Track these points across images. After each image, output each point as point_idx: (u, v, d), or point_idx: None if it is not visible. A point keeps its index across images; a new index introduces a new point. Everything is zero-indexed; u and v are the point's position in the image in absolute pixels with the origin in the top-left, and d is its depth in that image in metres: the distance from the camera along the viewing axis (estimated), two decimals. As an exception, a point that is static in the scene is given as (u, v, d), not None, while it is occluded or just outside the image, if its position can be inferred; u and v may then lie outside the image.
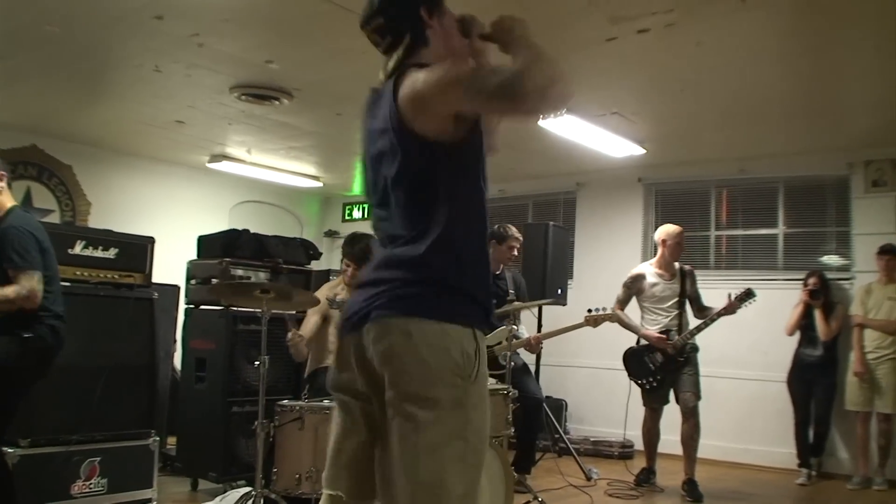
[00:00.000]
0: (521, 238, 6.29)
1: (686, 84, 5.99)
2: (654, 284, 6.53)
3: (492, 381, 5.03)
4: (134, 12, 4.92)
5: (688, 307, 6.55)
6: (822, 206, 8.00)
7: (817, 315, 7.00)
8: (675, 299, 6.48)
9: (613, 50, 5.23)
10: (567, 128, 6.91)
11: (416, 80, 2.16)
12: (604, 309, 5.96)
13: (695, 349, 6.38)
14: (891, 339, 6.77)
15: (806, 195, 8.10)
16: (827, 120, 6.80)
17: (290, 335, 4.88)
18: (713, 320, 6.26)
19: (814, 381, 7.07)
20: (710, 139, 7.60)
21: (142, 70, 6.06)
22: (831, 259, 7.83)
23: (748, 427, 7.71)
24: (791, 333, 7.14)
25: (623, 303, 6.64)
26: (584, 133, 7.10)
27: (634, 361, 6.59)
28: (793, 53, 5.33)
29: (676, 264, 6.60)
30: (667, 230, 6.62)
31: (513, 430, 4.77)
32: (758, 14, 4.62)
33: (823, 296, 6.99)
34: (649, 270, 6.62)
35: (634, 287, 6.61)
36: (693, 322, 6.47)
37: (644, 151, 7.83)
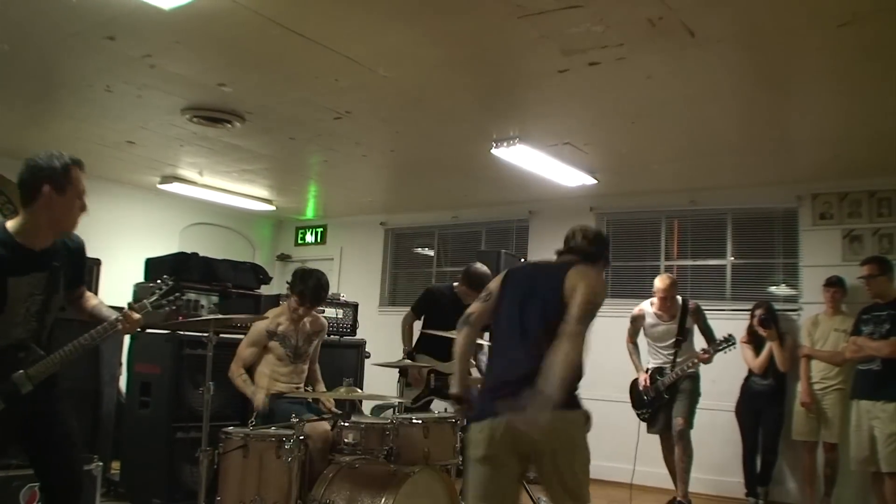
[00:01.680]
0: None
1: (637, 116, 6.06)
2: (653, 325, 6.84)
3: (440, 409, 5.04)
4: (85, 32, 4.86)
5: (691, 340, 6.82)
6: (771, 238, 8.12)
7: (774, 348, 7.06)
8: (672, 339, 6.73)
9: (566, 81, 5.28)
10: (520, 157, 6.96)
11: None
12: None
13: (690, 377, 6.66)
14: (837, 370, 6.85)
15: (754, 227, 8.22)
16: (776, 153, 6.91)
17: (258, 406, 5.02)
18: (689, 367, 6.59)
19: (762, 410, 7.13)
20: (661, 170, 7.69)
21: (93, 90, 5.99)
22: (779, 289, 7.95)
23: (697, 456, 7.72)
24: (762, 371, 7.17)
25: (632, 335, 6.96)
26: (536, 162, 7.15)
27: (634, 393, 6.99)
28: (742, 88, 5.42)
29: (679, 301, 6.81)
30: (656, 283, 6.85)
31: (460, 459, 4.74)
32: (707, 49, 4.69)
33: (774, 325, 7.09)
34: (649, 311, 6.87)
35: (637, 324, 6.95)
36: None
37: (596, 181, 7.89)
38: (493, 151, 6.74)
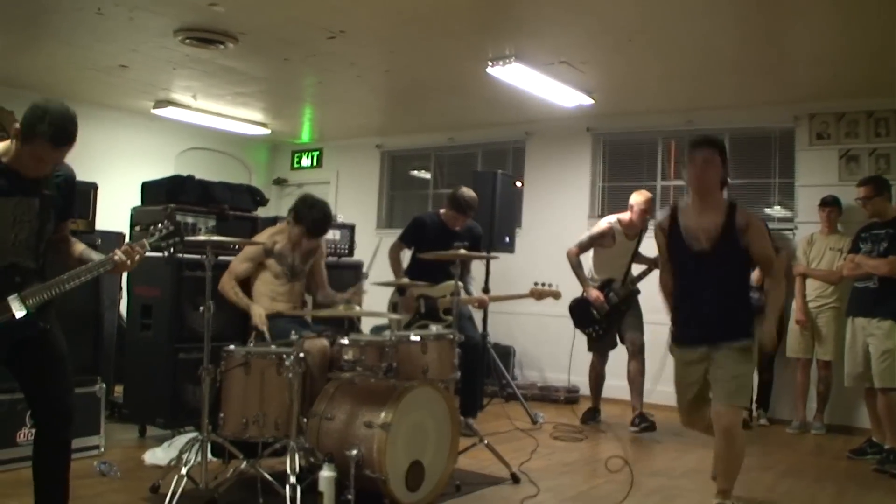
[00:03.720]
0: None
1: (634, 33, 5.99)
2: (618, 243, 6.88)
3: (437, 326, 5.09)
4: (73, -49, 4.80)
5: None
6: (767, 158, 8.12)
7: None
8: (629, 256, 6.89)
9: (561, -3, 5.23)
10: (516, 76, 6.91)
11: None
12: (549, 284, 6.27)
13: (636, 293, 6.83)
14: (832, 288, 6.93)
15: (751, 147, 8.22)
16: (774, 72, 6.86)
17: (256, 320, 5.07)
18: (646, 273, 6.72)
19: (758, 326, 7.17)
20: (658, 90, 7.65)
21: (83, 13, 5.91)
22: (775, 210, 7.96)
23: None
24: (759, 283, 7.21)
25: (583, 248, 6.91)
26: (532, 82, 7.09)
27: (580, 312, 6.94)
28: (741, 5, 5.36)
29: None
30: (635, 197, 6.92)
31: (458, 375, 4.82)
32: (705, -37, 4.64)
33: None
34: (617, 229, 6.90)
35: (599, 241, 6.91)
36: (636, 270, 6.87)
37: (592, 102, 7.84)
38: (489, 70, 6.68)
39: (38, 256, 3.27)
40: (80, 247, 3.49)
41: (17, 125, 3.10)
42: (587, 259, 6.93)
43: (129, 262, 3.31)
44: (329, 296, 5.61)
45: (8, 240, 3.13)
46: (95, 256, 3.37)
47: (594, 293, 6.80)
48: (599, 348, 6.96)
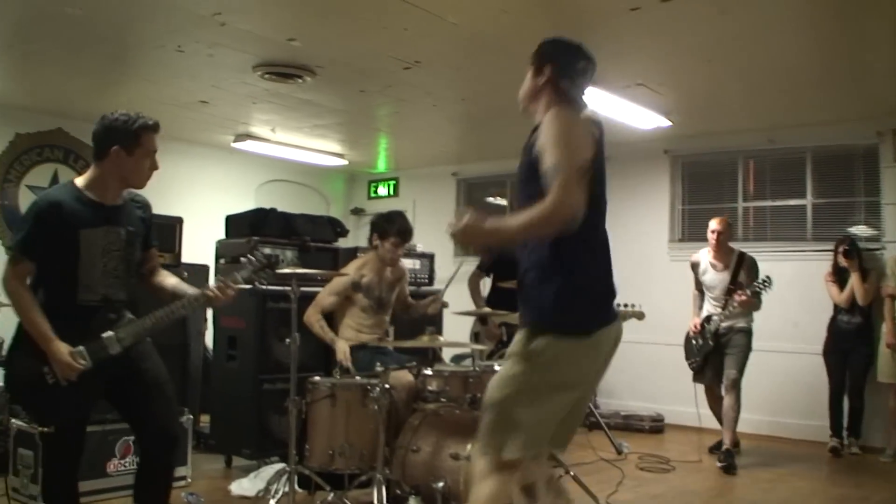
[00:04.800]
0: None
1: (712, 53, 5.90)
2: (705, 272, 6.82)
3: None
4: (156, -8, 4.93)
5: None
6: (851, 176, 7.89)
7: (854, 280, 6.92)
8: (724, 289, 6.69)
9: (637, 20, 5.16)
10: (592, 100, 6.83)
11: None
12: (632, 306, 6.12)
13: (743, 331, 6.61)
14: (922, 309, 6.69)
15: (835, 165, 8.00)
16: (856, 88, 6.69)
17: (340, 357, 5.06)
18: (732, 310, 6.57)
19: (851, 349, 7.01)
20: (738, 109, 7.51)
21: (164, 50, 6.06)
22: (860, 229, 7.73)
23: (780, 400, 7.67)
24: (848, 304, 7.04)
25: (696, 284, 6.96)
26: (609, 105, 7.03)
27: (686, 343, 6.94)
28: (820, 20, 5.24)
29: (736, 253, 6.77)
30: (710, 224, 6.84)
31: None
32: (785, -20, 4.55)
33: (857, 258, 6.92)
34: (704, 258, 6.84)
35: (694, 272, 6.93)
36: None
37: (670, 123, 7.74)
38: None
39: (129, 288, 3.34)
40: (172, 280, 3.55)
41: (114, 148, 3.21)
42: None
43: (222, 297, 3.37)
44: (414, 307, 5.62)
45: (97, 269, 3.20)
46: (189, 290, 3.43)
47: (691, 323, 6.82)
48: (700, 380, 6.87)
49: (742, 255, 6.72)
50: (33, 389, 3.14)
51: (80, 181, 3.27)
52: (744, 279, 6.60)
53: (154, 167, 3.34)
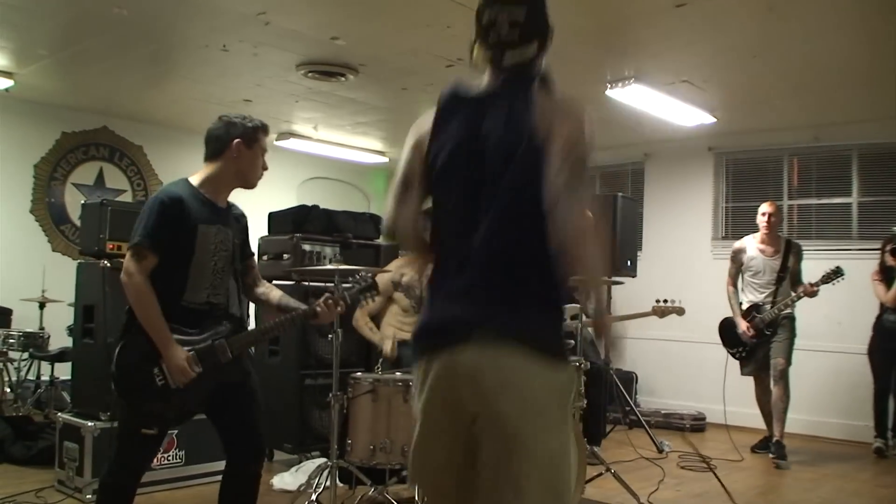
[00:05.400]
0: None
1: (758, 50, 5.85)
2: (753, 258, 6.71)
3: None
4: (202, -9, 4.99)
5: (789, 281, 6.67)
6: (898, 175, 7.77)
7: None
8: (774, 275, 6.61)
9: (683, 16, 5.13)
10: (635, 97, 6.82)
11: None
12: (672, 301, 6.13)
13: (789, 318, 6.56)
14: (969, 308, 6.57)
15: (881, 163, 7.88)
16: (903, 85, 6.58)
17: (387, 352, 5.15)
18: (794, 301, 6.46)
19: (896, 349, 6.91)
20: (783, 106, 7.42)
21: (209, 49, 6.13)
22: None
23: (824, 400, 7.58)
24: (894, 303, 6.92)
25: (733, 276, 6.87)
26: (652, 102, 7.00)
27: (727, 332, 6.82)
28: (867, 17, 5.17)
29: (783, 239, 6.71)
30: (762, 207, 6.76)
31: (585, 403, 4.75)
32: (833, -25, 4.49)
33: None
34: (751, 244, 6.77)
35: (737, 259, 6.83)
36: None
37: (714, 120, 7.68)
38: (608, 93, 6.62)
39: (229, 295, 3.36)
40: (277, 293, 3.57)
41: (236, 140, 3.29)
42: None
43: (329, 313, 3.42)
44: None
45: (208, 268, 3.23)
46: (294, 304, 3.46)
47: (742, 325, 6.65)
48: (749, 372, 6.77)
49: (790, 242, 6.68)
50: (143, 390, 3.11)
51: (194, 179, 3.30)
52: (792, 264, 6.56)
53: (265, 167, 3.43)
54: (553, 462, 2.08)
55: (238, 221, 3.45)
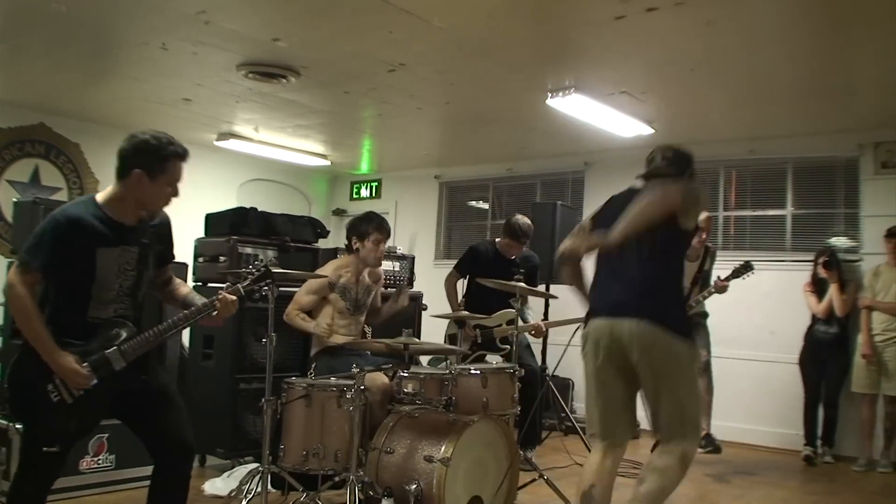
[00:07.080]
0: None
1: (696, 63, 5.93)
2: None
3: (497, 359, 5.04)
4: (141, -11, 4.92)
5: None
6: (832, 188, 7.95)
7: (833, 291, 6.98)
8: (693, 277, 6.62)
9: (622, 28, 5.19)
10: (575, 107, 6.88)
11: None
12: None
13: (705, 314, 6.83)
14: (899, 321, 6.75)
15: (815, 176, 8.05)
16: (837, 101, 6.74)
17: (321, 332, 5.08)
18: (705, 297, 6.56)
19: (827, 360, 7.06)
20: (720, 119, 7.55)
21: (148, 48, 6.04)
22: (840, 240, 7.78)
23: (755, 408, 7.71)
24: (826, 315, 7.08)
25: None
26: (592, 112, 7.06)
27: None
28: (804, 33, 5.28)
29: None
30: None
31: (518, 409, 4.77)
32: (768, -8, 4.58)
33: (837, 269, 6.98)
34: None
35: None
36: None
37: (653, 131, 7.78)
38: (549, 102, 6.67)
39: (137, 307, 3.28)
40: (184, 290, 3.54)
41: (137, 171, 3.14)
42: None
43: (226, 307, 3.37)
44: (381, 309, 5.61)
45: (113, 289, 3.15)
46: (198, 300, 3.40)
47: None
48: None
49: (707, 247, 6.74)
50: (39, 409, 3.02)
51: (100, 198, 3.19)
52: (707, 267, 6.68)
53: (174, 194, 3.27)
54: (682, 391, 3.70)
55: (157, 232, 3.37)
